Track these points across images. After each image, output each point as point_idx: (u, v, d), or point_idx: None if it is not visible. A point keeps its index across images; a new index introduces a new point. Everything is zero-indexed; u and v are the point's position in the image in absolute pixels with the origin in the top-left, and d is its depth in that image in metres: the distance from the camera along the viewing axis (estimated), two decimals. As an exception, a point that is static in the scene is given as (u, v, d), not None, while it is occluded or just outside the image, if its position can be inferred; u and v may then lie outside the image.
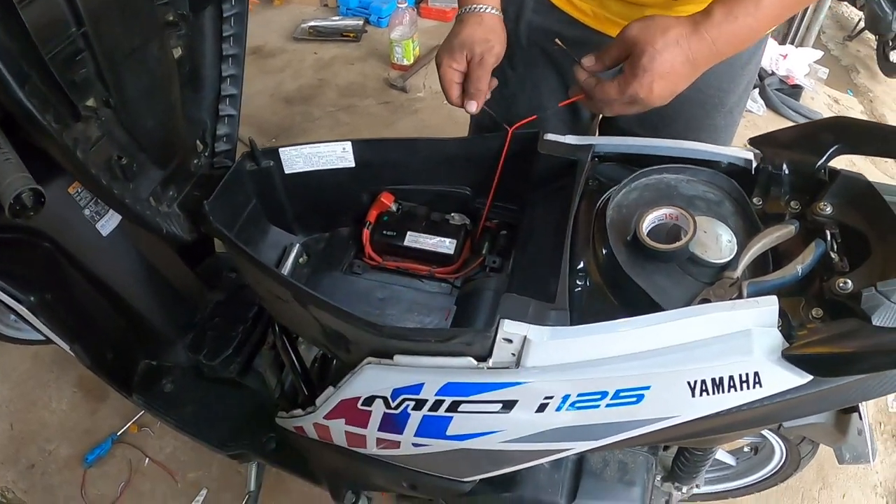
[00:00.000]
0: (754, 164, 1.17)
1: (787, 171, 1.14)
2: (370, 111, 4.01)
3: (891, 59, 5.36)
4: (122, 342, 1.61)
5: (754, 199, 1.15)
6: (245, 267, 1.21)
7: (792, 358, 0.87)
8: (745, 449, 1.86)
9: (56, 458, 2.26)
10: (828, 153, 1.10)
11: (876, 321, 0.86)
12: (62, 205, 1.23)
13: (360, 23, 4.82)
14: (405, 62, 4.33)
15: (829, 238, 1.01)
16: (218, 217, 1.21)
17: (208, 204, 1.21)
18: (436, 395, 1.00)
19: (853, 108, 4.86)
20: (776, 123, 4.29)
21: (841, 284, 0.92)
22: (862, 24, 5.90)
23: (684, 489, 1.67)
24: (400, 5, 4.23)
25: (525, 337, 0.90)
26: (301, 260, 1.45)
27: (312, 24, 4.78)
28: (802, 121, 4.26)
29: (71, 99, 1.00)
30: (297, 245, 1.45)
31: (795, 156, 1.14)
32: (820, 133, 1.14)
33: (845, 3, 6.46)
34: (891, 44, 5.32)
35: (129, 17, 1.18)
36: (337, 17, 4.96)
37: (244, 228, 1.35)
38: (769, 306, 0.89)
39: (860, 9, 5.92)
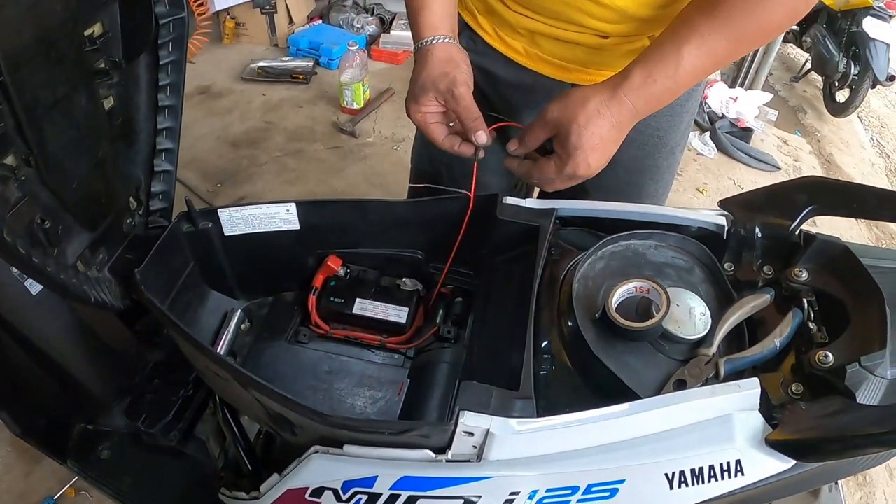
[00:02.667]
0: (726, 228, 1.14)
1: (759, 235, 1.12)
2: (318, 156, 3.99)
3: (837, 100, 5.60)
4: (54, 406, 1.50)
5: (726, 265, 1.13)
6: (181, 342, 1.13)
7: (775, 444, 0.83)
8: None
9: (-12, 523, 2.14)
10: (801, 215, 1.10)
11: (861, 398, 0.84)
12: (-14, 263, 1.13)
13: (310, 64, 4.81)
14: (355, 105, 4.32)
15: (805, 307, 0.99)
16: (152, 284, 1.14)
17: (140, 272, 1.13)
18: (391, 489, 0.93)
19: (801, 149, 5.03)
20: (727, 166, 4.46)
21: (821, 358, 0.90)
22: (808, 66, 6.16)
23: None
24: (350, 48, 4.22)
25: (487, 430, 0.83)
26: (243, 326, 1.37)
27: (262, 64, 4.76)
28: (753, 163, 4.52)
29: None
30: (239, 310, 1.37)
31: (768, 218, 1.13)
32: (793, 194, 1.14)
33: (791, 44, 6.69)
34: (837, 84, 5.56)
35: (54, 65, 1.08)
36: (286, 58, 4.95)
37: (182, 293, 1.27)
38: (751, 389, 0.86)
39: (807, 51, 6.17)
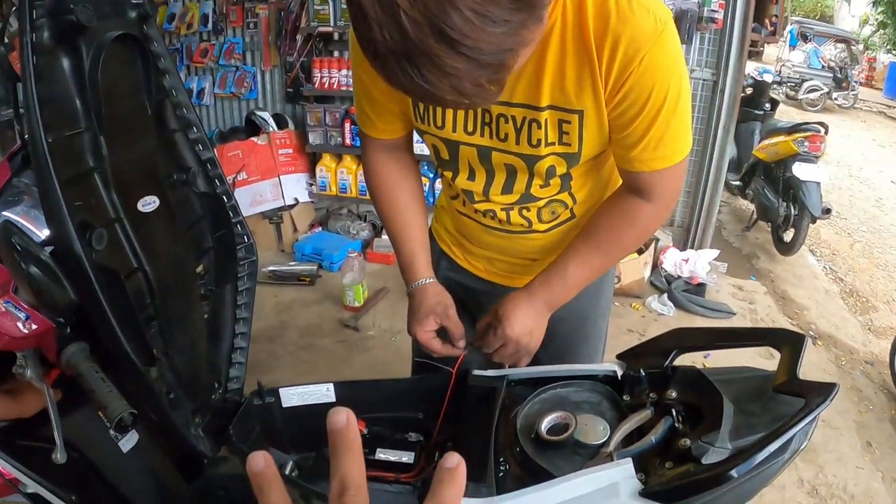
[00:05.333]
0: (620, 373, 1.58)
1: (643, 374, 1.53)
2: (328, 349, 4.33)
3: (785, 240, 6.06)
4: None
5: (624, 396, 1.53)
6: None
7: (648, 494, 1.23)
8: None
9: None
10: (670, 356, 1.51)
11: (704, 461, 1.23)
12: (92, 425, 1.45)
13: (314, 267, 5.29)
14: (356, 304, 4.74)
15: (674, 414, 1.39)
16: (238, 440, 1.58)
17: (232, 428, 1.57)
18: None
19: (756, 292, 5.42)
20: (686, 320, 4.87)
21: (683, 442, 1.29)
22: (755, 215, 6.68)
23: None
24: (350, 255, 4.75)
25: (469, 506, 1.27)
26: (294, 474, 1.72)
27: (272, 268, 5.24)
28: (709, 313, 4.90)
29: (150, 348, 1.38)
30: (291, 462, 1.74)
31: (649, 361, 1.54)
32: (664, 343, 1.56)
33: (739, 197, 7.30)
34: (782, 226, 6.06)
35: (182, 292, 1.59)
36: (293, 262, 5.44)
37: (251, 449, 1.56)
38: (626, 464, 1.27)
39: (751, 202, 6.71)
